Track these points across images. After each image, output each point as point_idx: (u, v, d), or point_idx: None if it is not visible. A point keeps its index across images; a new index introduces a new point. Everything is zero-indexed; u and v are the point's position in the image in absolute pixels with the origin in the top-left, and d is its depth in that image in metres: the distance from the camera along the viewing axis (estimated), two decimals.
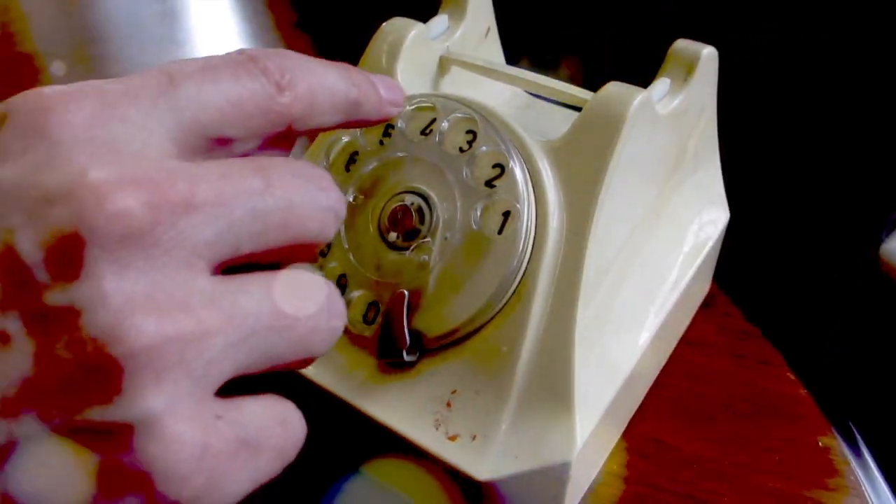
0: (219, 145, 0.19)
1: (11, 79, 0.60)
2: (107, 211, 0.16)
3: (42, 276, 0.16)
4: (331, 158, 0.30)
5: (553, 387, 0.26)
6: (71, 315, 0.16)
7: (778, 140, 0.50)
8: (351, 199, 0.29)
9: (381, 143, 0.30)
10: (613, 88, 0.28)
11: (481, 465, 0.26)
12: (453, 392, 0.27)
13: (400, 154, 0.29)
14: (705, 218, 0.35)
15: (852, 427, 0.34)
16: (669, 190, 0.33)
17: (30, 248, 0.16)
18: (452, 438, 0.27)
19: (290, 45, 0.65)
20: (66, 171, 0.16)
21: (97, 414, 0.16)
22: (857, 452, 0.33)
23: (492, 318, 0.27)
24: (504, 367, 0.27)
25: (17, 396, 0.16)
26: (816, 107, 0.48)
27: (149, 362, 0.16)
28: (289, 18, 0.69)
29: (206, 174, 0.18)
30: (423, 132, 0.29)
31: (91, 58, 0.63)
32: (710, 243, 0.35)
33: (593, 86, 0.29)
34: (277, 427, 0.19)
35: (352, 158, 0.30)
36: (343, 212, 0.21)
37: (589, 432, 0.26)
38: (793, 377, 0.36)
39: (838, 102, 0.48)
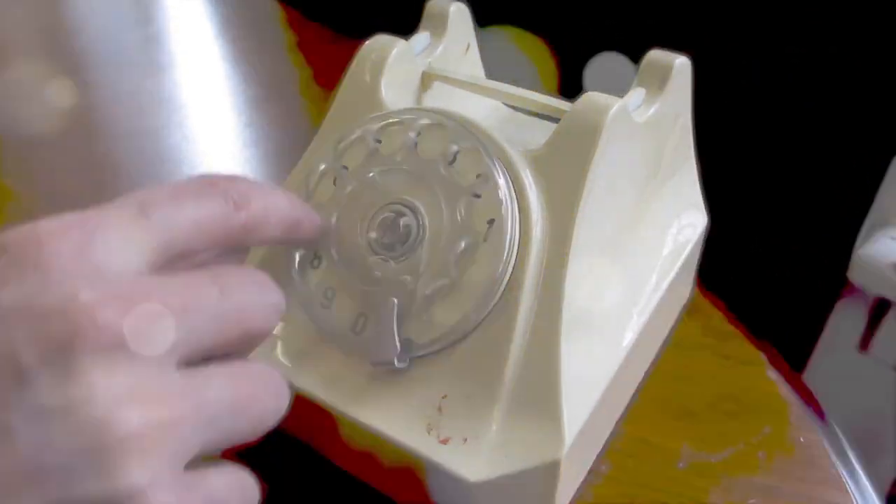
0: (182, 257, 0.23)
1: None
2: (96, 325, 0.19)
3: (41, 379, 0.19)
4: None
5: (541, 388, 0.27)
6: (67, 410, 0.19)
7: (755, 146, 0.52)
8: (341, 205, 0.30)
9: (370, 156, 0.30)
10: (590, 98, 0.29)
11: (473, 467, 0.26)
12: (444, 396, 0.28)
13: (387, 166, 0.30)
14: (684, 221, 0.36)
15: (833, 424, 0.35)
16: (648, 195, 0.34)
17: (31, 357, 0.19)
18: (444, 441, 0.27)
19: (276, 68, 0.66)
20: (59, 294, 0.19)
21: (91, 490, 0.19)
22: (839, 448, 0.34)
23: (479, 324, 0.28)
24: (492, 370, 0.28)
25: (20, 477, 0.18)
26: (792, 111, 0.49)
27: (134, 446, 0.19)
28: (273, 40, 0.70)
29: (173, 287, 0.21)
30: (409, 145, 0.30)
31: (76, 84, 0.64)
32: (690, 246, 0.36)
33: (571, 97, 0.30)
34: (237, 492, 0.22)
35: (340, 172, 0.31)
36: (283, 305, 0.24)
37: (577, 431, 0.27)
38: (775, 376, 0.37)
39: (813, 107, 0.49)
